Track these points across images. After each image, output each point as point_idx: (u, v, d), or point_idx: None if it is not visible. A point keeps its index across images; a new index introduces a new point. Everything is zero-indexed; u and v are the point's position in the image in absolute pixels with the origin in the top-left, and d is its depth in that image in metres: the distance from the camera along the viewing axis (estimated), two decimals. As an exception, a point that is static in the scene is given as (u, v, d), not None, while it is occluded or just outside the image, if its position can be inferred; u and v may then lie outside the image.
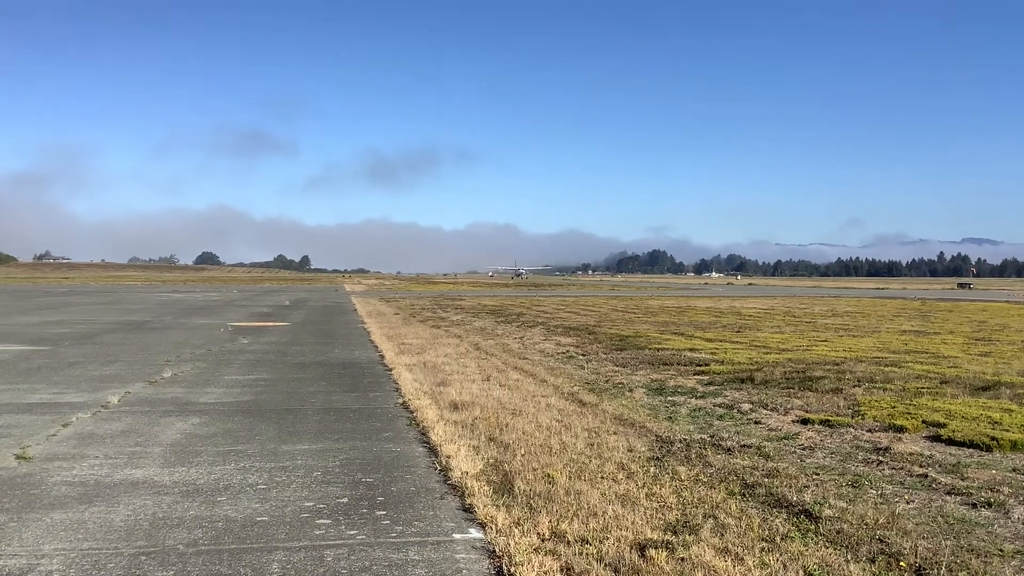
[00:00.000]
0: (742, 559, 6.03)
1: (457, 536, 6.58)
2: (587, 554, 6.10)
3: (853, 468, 9.06)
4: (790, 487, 8.02)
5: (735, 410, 12.65)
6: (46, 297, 60.25)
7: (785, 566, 5.94)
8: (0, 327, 28.80)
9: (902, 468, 9.05)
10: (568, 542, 6.34)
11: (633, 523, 6.78)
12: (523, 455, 8.99)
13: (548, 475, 8.14)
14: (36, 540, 6.42)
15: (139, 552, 6.17)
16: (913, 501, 7.83)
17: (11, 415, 11.56)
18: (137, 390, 14.07)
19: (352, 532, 6.64)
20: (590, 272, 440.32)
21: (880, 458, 9.50)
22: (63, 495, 7.63)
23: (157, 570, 5.83)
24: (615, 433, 10.57)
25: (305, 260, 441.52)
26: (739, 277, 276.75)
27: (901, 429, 10.97)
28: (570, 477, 8.14)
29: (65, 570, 5.83)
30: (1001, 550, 6.49)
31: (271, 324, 32.08)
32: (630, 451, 9.55)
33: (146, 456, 9.19)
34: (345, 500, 7.53)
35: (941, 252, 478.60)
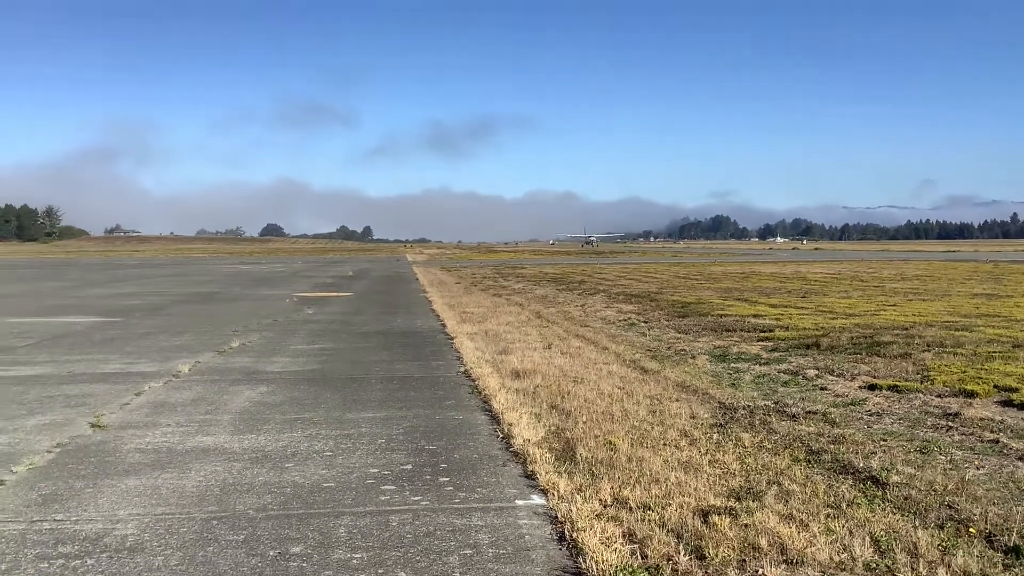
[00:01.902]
0: (807, 525, 5.99)
1: (520, 502, 6.63)
2: (649, 520, 6.10)
3: (922, 434, 8.91)
4: (856, 453, 7.92)
5: (800, 376, 12.50)
6: (117, 270, 61.83)
7: (851, 532, 5.88)
8: (74, 299, 29.66)
9: (972, 433, 8.87)
10: (630, 508, 6.35)
11: (696, 489, 6.76)
12: (585, 422, 9.01)
13: (610, 442, 8.15)
14: (111, 505, 6.63)
15: (211, 517, 6.34)
16: (983, 467, 7.67)
17: (86, 384, 11.92)
18: (207, 360, 14.39)
19: (416, 498, 6.73)
20: (651, 239, 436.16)
21: (950, 423, 9.32)
22: (137, 462, 7.86)
23: (228, 534, 5.99)
24: (677, 400, 10.52)
25: (367, 230, 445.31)
26: (805, 242, 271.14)
27: (972, 394, 10.74)
28: (632, 444, 8.14)
29: (140, 534, 6.01)
30: (1076, 517, 6.33)
31: (335, 294, 32.49)
32: (693, 418, 9.51)
33: (216, 424, 9.42)
34: (409, 467, 7.63)
35: (1015, 213, 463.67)
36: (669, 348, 15.82)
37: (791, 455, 7.91)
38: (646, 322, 20.57)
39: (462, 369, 13.14)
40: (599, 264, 67.81)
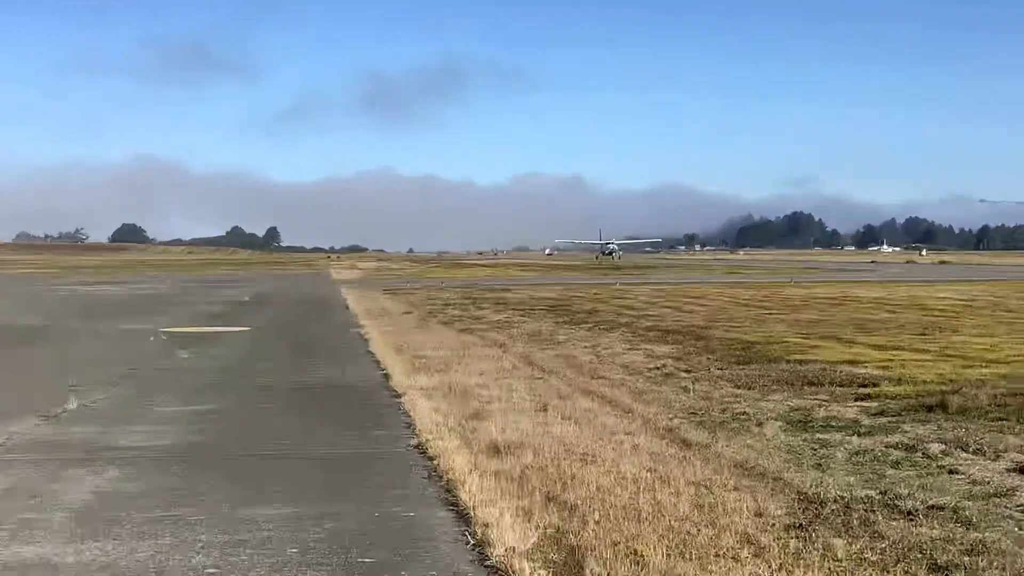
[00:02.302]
0: None
1: (500, 644, 6.59)
2: (695, 671, 6.07)
3: (1100, 540, 8.91)
4: (1004, 569, 7.91)
5: (919, 453, 12.50)
6: None
7: None
8: None
9: None
10: (666, 653, 6.32)
11: (764, 624, 6.73)
12: (597, 522, 8.97)
13: (635, 552, 8.12)
14: None
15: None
16: None
17: None
18: (27, 429, 14.26)
19: (344, 638, 6.68)
20: (697, 247, 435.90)
21: None
22: (-78, 584, 7.76)
23: None
24: (736, 488, 10.49)
25: (272, 234, 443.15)
26: (924, 252, 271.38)
27: None
28: (668, 555, 8.11)
29: None
30: None
31: (225, 330, 32.42)
32: (759, 515, 9.49)
33: (42, 526, 9.29)
34: (334, 591, 7.57)
35: None
36: (724, 411, 15.80)
37: (907, 571, 7.90)
38: (689, 371, 20.56)
39: (414, 442, 13.11)
40: (620, 284, 67.81)
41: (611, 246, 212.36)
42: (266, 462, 12.09)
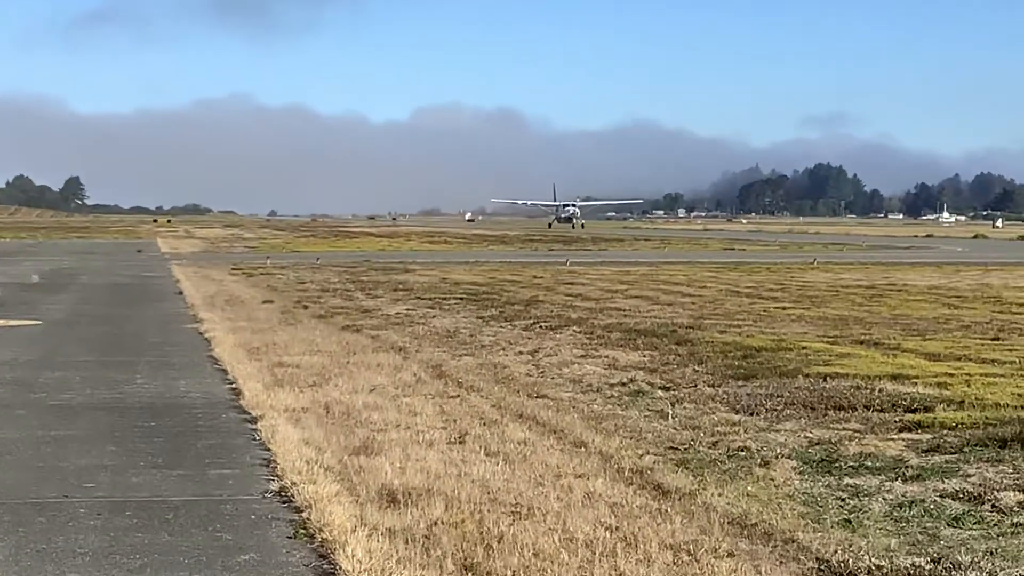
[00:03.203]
0: None
1: None
2: None
3: None
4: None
5: (987, 505, 12.58)
6: None
7: None
8: None
9: None
10: None
11: None
12: (536, 605, 8.99)
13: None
14: None
15: None
16: None
17: None
18: None
19: None
20: (681, 211, 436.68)
21: None
22: None
23: None
24: (731, 555, 10.51)
25: (74, 187, 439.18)
26: (1000, 223, 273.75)
27: None
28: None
29: None
30: None
31: (3, 324, 32.25)
32: (763, 593, 9.54)
33: None
34: None
35: None
36: (716, 444, 15.86)
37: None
38: (667, 389, 20.62)
39: (274, 486, 13.09)
40: (572, 264, 67.67)
41: (571, 209, 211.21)
42: (62, 512, 11.95)
